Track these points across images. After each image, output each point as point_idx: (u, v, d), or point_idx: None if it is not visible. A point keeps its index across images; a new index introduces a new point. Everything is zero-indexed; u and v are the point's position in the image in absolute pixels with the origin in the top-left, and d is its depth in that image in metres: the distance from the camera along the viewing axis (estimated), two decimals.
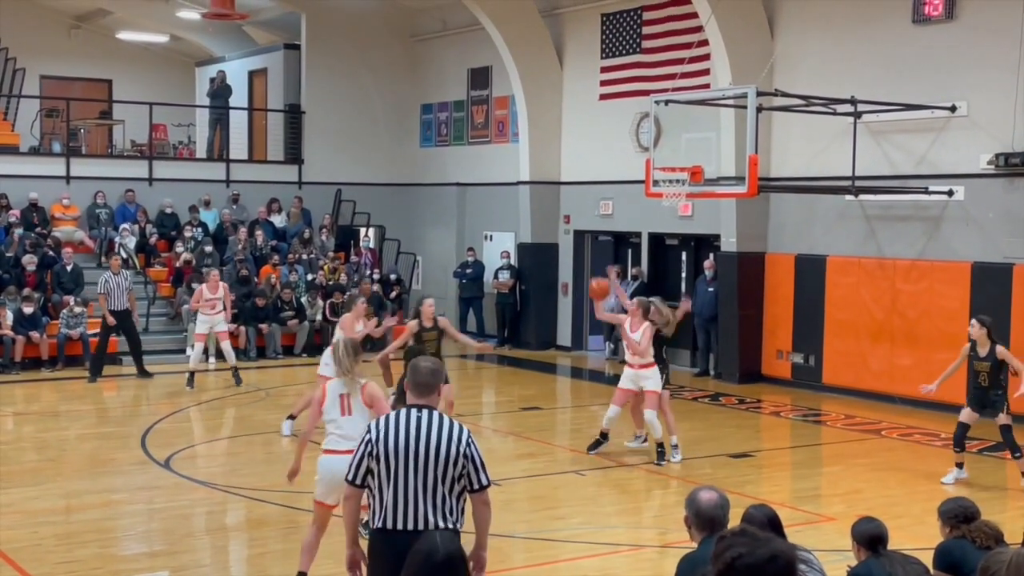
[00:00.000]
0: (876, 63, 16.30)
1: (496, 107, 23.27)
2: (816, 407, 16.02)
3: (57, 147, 23.50)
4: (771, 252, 17.91)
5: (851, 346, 16.66)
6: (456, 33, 23.80)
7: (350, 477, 5.55)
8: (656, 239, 20.27)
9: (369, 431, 5.53)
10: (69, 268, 19.88)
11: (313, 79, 24.57)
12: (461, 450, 5.45)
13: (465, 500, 5.55)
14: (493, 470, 12.03)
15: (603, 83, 20.86)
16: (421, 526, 5.39)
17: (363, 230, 24.40)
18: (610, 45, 20.72)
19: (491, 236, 23.21)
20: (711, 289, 18.37)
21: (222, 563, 9.13)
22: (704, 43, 17.50)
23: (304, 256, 22.20)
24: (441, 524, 5.41)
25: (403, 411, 5.53)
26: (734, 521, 4.85)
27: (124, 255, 21.05)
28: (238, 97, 25.60)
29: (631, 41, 20.30)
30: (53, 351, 18.60)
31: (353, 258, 23.32)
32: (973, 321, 11.71)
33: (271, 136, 25.44)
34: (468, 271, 22.63)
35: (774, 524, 5.23)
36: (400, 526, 5.41)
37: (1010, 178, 14.81)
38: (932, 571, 5.75)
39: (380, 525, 5.46)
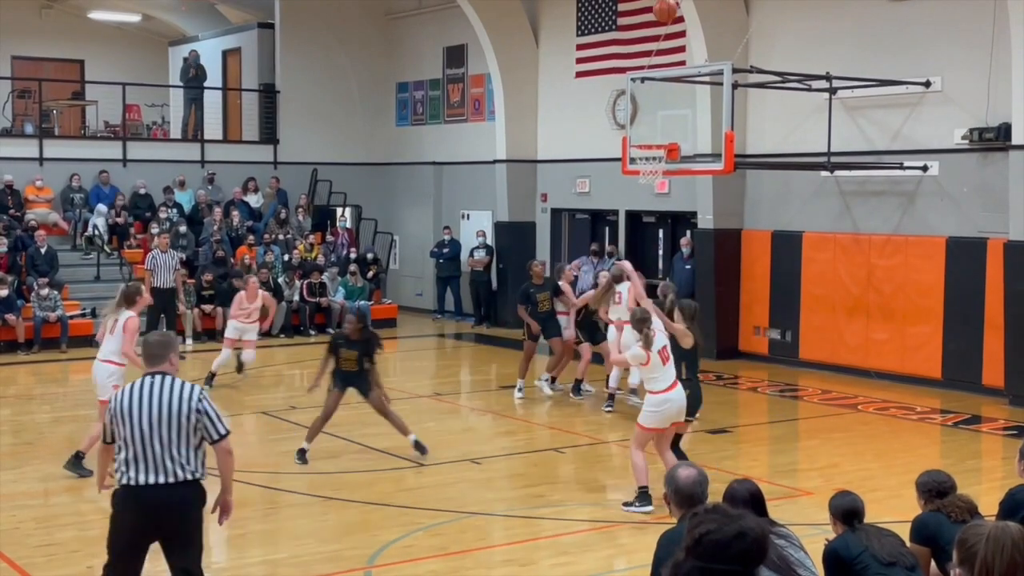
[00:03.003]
0: (851, 39, 16.33)
1: (472, 85, 23.21)
2: (793, 382, 16.11)
3: (29, 128, 23.32)
4: (747, 228, 17.96)
5: (827, 321, 16.75)
6: (431, 11, 23.70)
7: (107, 438, 6.23)
8: (633, 217, 20.29)
9: (112, 400, 6.14)
10: (43, 250, 19.76)
11: (288, 58, 24.43)
12: (193, 406, 6.02)
13: (205, 452, 6.11)
14: (472, 448, 12.12)
15: (579, 60, 20.82)
16: (163, 479, 5.97)
17: (339, 210, 24.33)
18: (586, 22, 20.68)
19: (468, 215, 23.18)
20: (688, 266, 18.41)
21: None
22: (680, 20, 17.47)
23: (280, 236, 22.13)
24: (180, 475, 5.99)
25: (140, 379, 6.13)
26: (716, 497, 4.90)
27: (97, 237, 20.98)
28: (212, 77, 25.43)
29: (607, 18, 20.27)
30: (29, 334, 18.49)
31: (329, 238, 23.26)
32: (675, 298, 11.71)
33: (246, 116, 25.30)
34: (445, 250, 22.60)
35: (756, 499, 5.28)
36: (142, 481, 5.97)
37: (984, 153, 14.88)
38: (908, 543, 5.82)
39: (124, 481, 6.01)
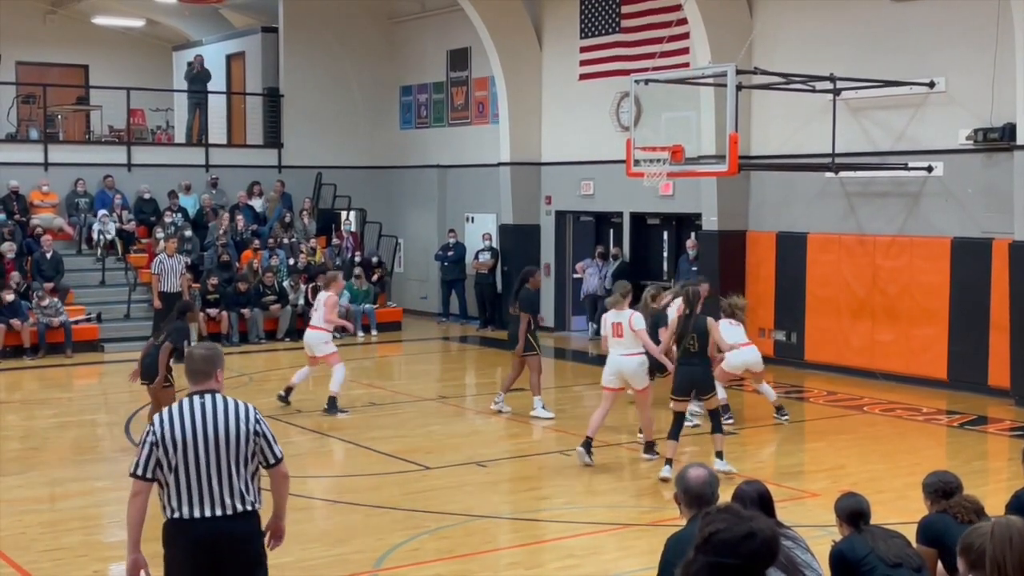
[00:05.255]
0: (855, 40, 16.32)
1: (476, 88, 23.21)
2: (799, 384, 16.10)
3: (34, 134, 23.35)
4: (752, 230, 17.95)
5: (832, 323, 16.74)
6: (435, 14, 23.72)
7: (139, 472, 5.36)
8: (637, 219, 20.29)
9: (152, 424, 5.42)
10: (49, 255, 19.79)
11: (291, 62, 24.45)
12: (251, 428, 5.43)
13: (260, 479, 5.54)
14: (477, 451, 12.11)
15: (583, 63, 20.83)
16: (219, 512, 5.34)
17: (344, 213, 24.35)
18: (589, 25, 20.69)
19: (472, 218, 23.19)
20: (694, 268, 18.39)
21: None
22: (683, 22, 17.49)
23: (285, 240, 22.14)
24: (239, 507, 5.39)
25: (185, 400, 5.45)
26: (726, 497, 4.90)
27: (105, 242, 21.00)
28: (216, 81, 25.47)
29: (610, 21, 20.27)
30: (35, 339, 18.51)
31: (335, 241, 23.28)
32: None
33: (250, 120, 25.32)
34: (450, 253, 22.61)
35: (764, 500, 5.27)
36: (196, 514, 5.33)
37: (988, 153, 14.87)
38: (914, 545, 5.81)
39: (176, 516, 5.35)
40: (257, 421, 5.46)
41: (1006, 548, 3.55)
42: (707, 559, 3.26)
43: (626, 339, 11.09)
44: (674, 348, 11.07)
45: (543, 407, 13.78)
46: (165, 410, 5.47)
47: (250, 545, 5.49)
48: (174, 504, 5.35)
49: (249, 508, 5.43)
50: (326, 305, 13.84)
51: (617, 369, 11.19)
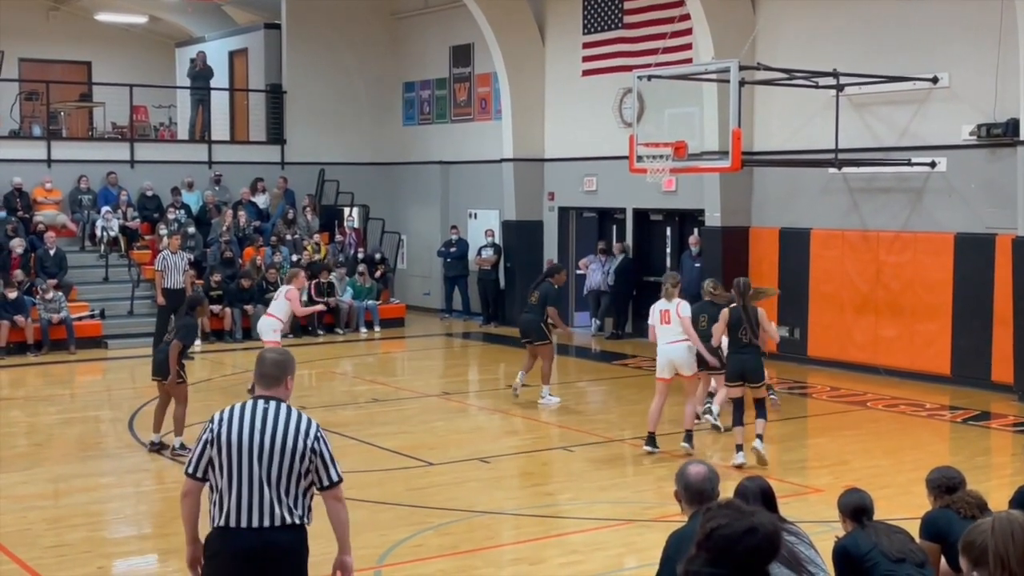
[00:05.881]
0: (858, 35, 16.30)
1: (478, 84, 23.20)
2: (802, 380, 16.09)
3: (37, 130, 23.37)
4: (755, 226, 17.94)
5: (836, 318, 16.73)
6: (437, 10, 23.71)
7: (190, 470, 5.20)
8: (640, 215, 20.28)
9: (211, 421, 5.22)
10: (52, 252, 19.81)
11: (294, 58, 24.45)
12: (309, 444, 5.17)
13: (313, 495, 5.26)
14: (481, 447, 12.12)
15: (585, 59, 20.81)
16: (267, 523, 5.10)
17: (347, 210, 24.35)
18: (592, 21, 20.67)
19: (475, 214, 23.18)
20: (696, 264, 18.38)
21: None
22: (686, 17, 17.48)
23: (288, 237, 22.15)
24: (288, 519, 5.14)
25: (248, 402, 5.24)
26: (727, 495, 4.89)
27: (108, 238, 21.02)
28: (219, 77, 25.47)
29: (613, 16, 20.25)
30: (38, 335, 18.53)
31: (338, 238, 23.29)
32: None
33: (253, 116, 25.32)
34: (452, 249, 22.61)
35: (766, 496, 5.27)
36: (244, 523, 5.10)
37: (992, 148, 14.85)
38: (918, 540, 5.81)
39: (222, 523, 5.13)
40: (317, 439, 5.20)
41: (1008, 542, 3.53)
42: (709, 555, 3.26)
43: (674, 325, 11.45)
44: (725, 341, 11.46)
45: (550, 394, 14.29)
46: (226, 408, 5.25)
47: (294, 558, 5.21)
48: (222, 511, 5.14)
49: (297, 522, 5.17)
50: (287, 298, 13.84)
51: (668, 358, 11.51)
